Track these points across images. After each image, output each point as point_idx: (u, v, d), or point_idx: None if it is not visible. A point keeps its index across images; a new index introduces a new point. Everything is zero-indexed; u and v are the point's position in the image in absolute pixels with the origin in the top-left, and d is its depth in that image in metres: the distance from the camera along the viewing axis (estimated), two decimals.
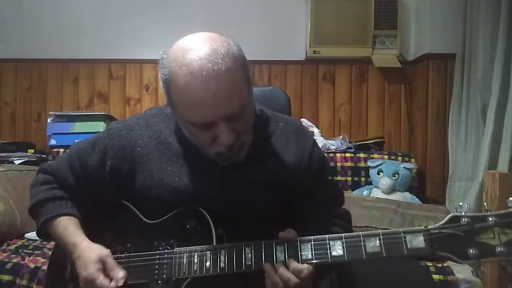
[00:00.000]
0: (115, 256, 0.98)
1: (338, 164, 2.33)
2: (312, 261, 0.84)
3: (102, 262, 0.92)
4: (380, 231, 0.82)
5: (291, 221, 1.03)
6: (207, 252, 0.90)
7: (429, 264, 1.67)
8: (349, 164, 2.34)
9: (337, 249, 0.83)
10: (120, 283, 0.89)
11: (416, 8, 2.60)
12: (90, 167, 1.03)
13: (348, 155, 2.36)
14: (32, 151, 2.51)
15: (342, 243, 0.83)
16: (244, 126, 0.91)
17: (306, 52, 2.62)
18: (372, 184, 2.31)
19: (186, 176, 0.98)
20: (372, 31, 2.54)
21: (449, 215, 0.79)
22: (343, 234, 0.85)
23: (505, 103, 1.95)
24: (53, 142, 2.49)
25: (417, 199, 2.23)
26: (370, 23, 2.54)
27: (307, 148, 1.03)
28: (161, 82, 0.90)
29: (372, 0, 2.52)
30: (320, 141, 2.38)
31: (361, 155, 2.37)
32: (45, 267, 1.60)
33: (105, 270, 0.92)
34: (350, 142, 2.43)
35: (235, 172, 0.97)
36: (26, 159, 2.41)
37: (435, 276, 1.61)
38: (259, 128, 1.00)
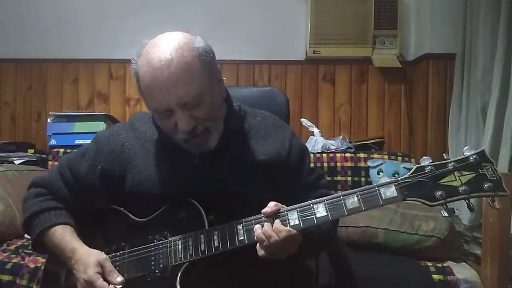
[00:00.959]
0: (111, 255, 1.01)
1: (338, 164, 2.33)
2: (300, 226, 0.89)
3: (101, 266, 0.95)
4: (357, 189, 0.89)
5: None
6: (201, 235, 0.94)
7: (429, 264, 1.68)
8: (349, 164, 2.33)
9: (321, 211, 0.89)
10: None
11: (416, 8, 2.60)
12: (81, 174, 1.07)
13: (348, 155, 2.36)
14: (32, 151, 2.51)
15: (325, 205, 0.89)
16: (205, 113, 0.94)
17: (306, 52, 2.62)
18: (372, 184, 2.30)
19: (171, 169, 1.03)
20: (372, 31, 2.54)
21: (414, 166, 0.89)
22: (324, 198, 0.90)
23: (505, 103, 1.95)
24: (53, 142, 2.48)
25: None
26: (370, 23, 2.54)
27: (286, 138, 1.08)
28: (134, 80, 0.98)
29: (372, 0, 2.52)
30: (320, 141, 2.38)
31: (361, 155, 2.37)
32: None
33: (103, 274, 0.95)
34: (350, 142, 2.43)
35: (216, 161, 1.01)
36: (26, 159, 2.41)
37: (435, 276, 1.61)
38: (236, 122, 1.06)
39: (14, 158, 2.39)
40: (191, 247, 0.93)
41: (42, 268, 1.60)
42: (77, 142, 2.40)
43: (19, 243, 1.86)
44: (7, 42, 2.76)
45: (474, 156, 0.87)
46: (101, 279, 0.93)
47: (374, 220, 1.75)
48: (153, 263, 0.96)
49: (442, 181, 0.86)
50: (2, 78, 2.80)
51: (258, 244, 0.90)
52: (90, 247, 1.01)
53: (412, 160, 2.37)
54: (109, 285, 0.93)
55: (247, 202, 0.98)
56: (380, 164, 2.28)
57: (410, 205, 2.00)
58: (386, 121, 2.67)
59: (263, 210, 0.92)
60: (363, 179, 2.34)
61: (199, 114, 0.93)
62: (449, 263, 1.69)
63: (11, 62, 2.78)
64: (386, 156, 2.36)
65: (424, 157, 0.91)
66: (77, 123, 2.49)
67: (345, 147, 2.39)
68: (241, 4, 2.68)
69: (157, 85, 0.90)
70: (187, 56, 0.90)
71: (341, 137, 2.45)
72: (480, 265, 1.63)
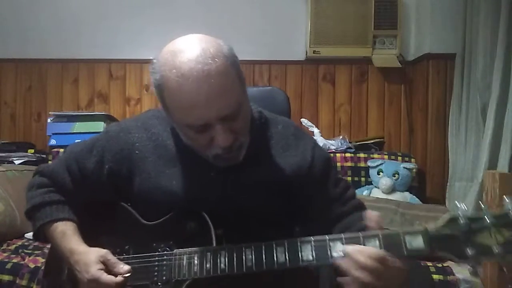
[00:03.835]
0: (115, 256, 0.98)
1: (338, 164, 2.33)
2: (312, 262, 0.83)
3: (103, 262, 0.93)
4: (379, 231, 0.81)
5: (292, 222, 1.02)
6: (207, 253, 0.89)
7: (429, 264, 1.67)
8: (349, 164, 2.34)
9: (338, 250, 0.81)
10: (126, 276, 0.90)
11: (416, 8, 2.60)
12: (88, 170, 1.02)
13: (348, 155, 2.36)
14: (32, 151, 2.51)
15: (342, 244, 0.81)
16: (241, 125, 0.89)
17: (306, 52, 2.62)
18: (372, 184, 2.31)
19: (183, 179, 0.97)
20: (372, 31, 2.54)
21: (447, 216, 0.79)
22: (342, 235, 0.83)
23: (505, 103, 1.95)
24: (53, 142, 2.48)
25: (417, 199, 2.23)
26: (370, 23, 2.54)
27: (308, 149, 1.02)
28: (153, 88, 0.88)
29: (372, 0, 2.52)
30: (320, 141, 2.38)
31: (361, 155, 2.37)
32: None
33: (107, 268, 0.92)
34: (350, 142, 2.43)
35: (232, 174, 0.96)
36: (26, 159, 2.41)
37: (435, 276, 1.61)
38: (258, 130, 0.99)
39: (14, 158, 2.39)
40: (196, 265, 0.89)
41: (43, 263, 1.61)
42: (77, 142, 2.40)
43: (19, 243, 1.86)
44: (7, 42, 2.77)
45: None
46: (105, 274, 0.90)
47: None
48: (156, 273, 0.93)
49: (476, 237, 0.75)
50: (2, 78, 2.80)
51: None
52: (94, 242, 0.98)
53: (412, 160, 2.37)
54: (116, 276, 0.90)
55: (260, 219, 0.94)
56: (380, 164, 2.28)
57: (410, 205, 2.01)
58: (386, 121, 2.67)
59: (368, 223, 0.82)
60: (363, 179, 2.34)
61: (237, 126, 0.87)
62: (449, 263, 1.69)
63: (11, 62, 2.78)
64: (386, 156, 2.37)
65: (457, 203, 0.79)
66: (77, 123, 2.49)
67: (345, 147, 2.39)
68: (241, 4, 2.68)
69: (196, 100, 0.81)
70: (222, 64, 0.82)
71: (341, 137, 2.45)
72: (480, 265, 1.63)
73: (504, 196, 0.77)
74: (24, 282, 1.60)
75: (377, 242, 0.80)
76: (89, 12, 2.74)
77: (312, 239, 0.84)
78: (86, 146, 1.05)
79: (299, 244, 0.85)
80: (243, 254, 0.87)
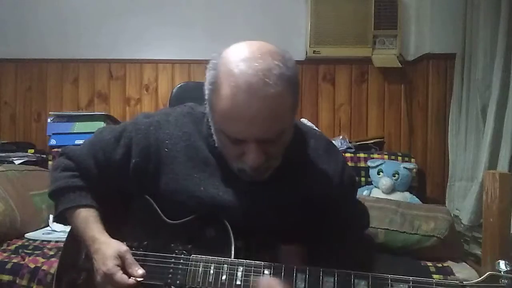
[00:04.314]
0: (131, 252, 0.97)
1: None
2: None
3: (121, 258, 0.92)
4: (410, 278, 0.77)
5: (312, 241, 1.00)
6: (224, 265, 0.87)
7: (429, 264, 1.67)
8: (349, 164, 2.33)
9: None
10: (139, 280, 0.90)
11: (416, 8, 2.60)
12: (114, 160, 1.00)
13: (348, 155, 2.36)
14: (32, 151, 2.51)
15: (368, 284, 0.78)
16: (277, 150, 0.87)
17: (306, 52, 2.62)
18: (372, 184, 2.31)
19: (212, 186, 0.95)
20: (372, 31, 2.54)
21: (488, 273, 0.74)
22: (369, 274, 0.79)
23: (505, 103, 1.95)
24: (53, 142, 2.49)
25: (417, 199, 2.23)
26: (370, 23, 2.54)
27: (338, 168, 1.00)
28: (206, 82, 0.86)
29: (372, 0, 2.52)
30: None
31: (361, 155, 2.37)
32: (45, 267, 1.60)
33: (123, 266, 0.92)
34: (350, 142, 2.43)
35: (262, 188, 0.93)
36: (26, 159, 2.41)
37: (435, 276, 1.60)
38: (294, 151, 0.95)
39: (14, 158, 2.39)
40: (211, 275, 0.87)
41: (45, 268, 1.61)
42: (77, 142, 2.40)
43: (19, 243, 1.86)
44: (7, 42, 2.76)
45: None
46: (121, 272, 0.90)
47: (374, 220, 1.75)
48: (170, 276, 0.92)
49: None
50: (2, 78, 2.80)
51: None
52: (113, 232, 0.98)
53: (412, 160, 2.37)
54: (129, 278, 0.90)
55: (283, 235, 0.92)
56: (380, 164, 2.28)
57: (410, 205, 2.00)
58: (386, 121, 2.67)
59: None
60: (363, 179, 2.34)
61: (272, 150, 0.85)
62: (449, 263, 1.69)
63: (11, 62, 2.78)
64: (386, 156, 2.37)
65: (499, 261, 0.74)
66: (77, 123, 2.49)
67: (345, 147, 2.39)
68: (241, 4, 2.68)
69: (241, 115, 0.78)
70: (281, 91, 0.78)
71: (341, 137, 2.45)
72: (480, 265, 1.63)
73: None
74: (24, 282, 1.60)
75: (406, 286, 0.76)
76: (89, 12, 2.74)
77: (336, 271, 0.81)
78: (113, 135, 1.02)
79: (321, 274, 0.82)
80: (262, 273, 0.84)
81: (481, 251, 1.70)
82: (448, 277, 0.71)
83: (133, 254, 0.96)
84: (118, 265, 0.91)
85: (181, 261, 0.92)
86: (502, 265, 0.73)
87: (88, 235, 0.98)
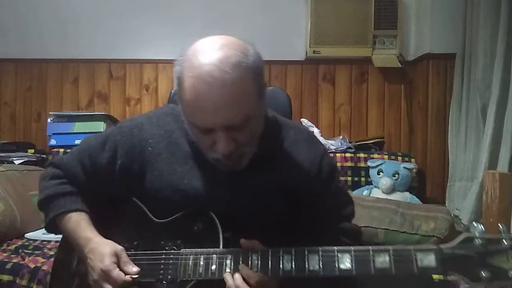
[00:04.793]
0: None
1: (338, 164, 2.33)
2: (319, 273, 0.82)
3: (117, 256, 0.94)
4: (390, 247, 0.80)
5: (299, 228, 1.01)
6: (213, 255, 0.90)
7: None
8: (349, 164, 2.34)
9: (345, 262, 0.81)
10: (134, 277, 0.91)
11: (416, 8, 2.60)
12: (100, 164, 1.03)
13: (348, 155, 2.36)
14: (32, 151, 2.51)
15: (351, 256, 0.81)
16: (247, 137, 0.89)
17: (306, 52, 2.62)
18: (372, 184, 2.31)
19: (195, 178, 0.98)
20: (372, 31, 2.54)
21: (463, 236, 0.77)
22: (352, 247, 0.82)
23: (505, 103, 1.95)
24: (53, 142, 2.49)
25: (417, 199, 2.23)
26: (370, 23, 2.54)
27: (317, 156, 1.02)
28: (174, 79, 0.90)
29: (372, 0, 2.52)
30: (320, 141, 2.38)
31: (361, 155, 2.37)
32: (45, 267, 1.60)
33: (119, 264, 0.93)
34: (350, 142, 2.43)
35: (243, 177, 0.96)
36: (26, 159, 2.41)
37: (435, 276, 1.61)
38: (269, 135, 0.98)
39: (14, 158, 2.39)
40: (202, 266, 0.90)
41: (44, 268, 1.61)
42: (77, 142, 2.38)
43: (19, 243, 1.86)
44: (7, 42, 2.77)
45: None
46: (117, 269, 0.92)
47: (374, 220, 1.75)
48: (161, 271, 0.94)
49: (491, 259, 0.73)
50: (2, 78, 2.80)
51: None
52: (103, 236, 0.99)
53: (412, 160, 2.37)
54: (125, 275, 0.91)
55: (267, 223, 0.93)
56: (380, 164, 2.28)
57: (410, 205, 2.00)
58: (386, 121, 2.67)
59: (242, 242, 0.88)
60: (363, 179, 2.34)
61: (241, 137, 0.87)
62: None
63: (11, 62, 2.78)
64: (386, 156, 2.37)
65: (474, 223, 0.77)
66: (77, 123, 2.49)
67: (345, 147, 2.39)
68: (241, 4, 2.68)
69: (204, 103, 0.82)
70: (240, 76, 0.82)
71: (341, 137, 2.45)
72: None
73: None
74: (24, 282, 1.60)
75: (387, 257, 0.79)
76: (89, 12, 2.74)
77: (320, 249, 0.84)
78: (99, 141, 1.05)
79: (306, 253, 0.84)
80: (249, 259, 0.87)
81: None
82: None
83: None
84: (115, 263, 0.93)
85: (171, 256, 0.94)
86: (476, 227, 0.76)
87: (82, 236, 0.99)
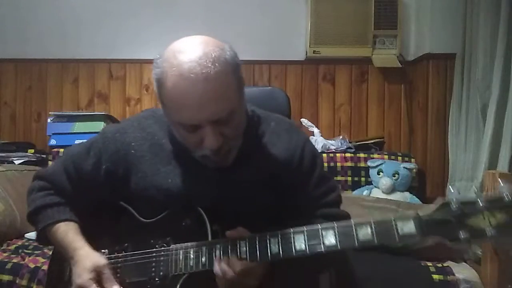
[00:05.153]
0: (113, 256, 1.00)
1: (338, 164, 2.33)
2: (305, 252, 0.84)
3: (97, 272, 0.94)
4: (371, 219, 0.82)
5: (287, 217, 1.02)
6: (203, 247, 0.91)
7: (429, 264, 1.68)
8: (349, 164, 2.34)
9: (330, 239, 0.83)
10: None
11: (416, 8, 2.60)
12: (85, 171, 1.04)
13: (348, 155, 2.36)
14: (32, 151, 2.51)
15: (335, 232, 0.83)
16: (233, 131, 0.91)
17: (306, 52, 2.62)
18: (372, 184, 2.31)
19: (178, 177, 0.99)
20: (372, 31, 2.54)
21: (440, 201, 0.79)
22: (334, 224, 0.84)
23: (505, 103, 1.95)
24: (53, 142, 2.48)
25: (417, 199, 2.23)
26: (370, 23, 2.54)
27: (299, 145, 1.03)
28: (154, 82, 0.91)
29: (372, 0, 2.52)
30: (320, 141, 2.38)
31: (361, 155, 2.37)
32: (45, 267, 1.60)
33: (100, 280, 0.94)
34: (350, 142, 2.43)
35: (226, 172, 0.97)
36: (26, 159, 2.41)
37: (435, 276, 1.61)
38: (250, 129, 1.01)
39: (14, 158, 2.39)
40: (192, 259, 0.91)
41: (44, 268, 1.61)
42: (77, 142, 2.38)
43: (19, 243, 1.86)
44: (7, 42, 2.76)
45: (510, 196, 0.75)
46: (95, 285, 0.92)
47: None
48: (153, 269, 0.95)
49: (468, 220, 0.76)
50: (2, 78, 2.80)
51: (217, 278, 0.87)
52: (94, 243, 1.00)
53: (412, 160, 2.37)
54: None
55: (254, 215, 0.95)
56: (380, 164, 2.28)
57: (410, 205, 2.01)
58: (386, 121, 2.67)
59: (227, 233, 0.89)
60: (363, 179, 2.34)
61: (228, 131, 0.89)
62: (449, 263, 1.69)
63: (11, 62, 2.78)
64: (386, 156, 2.37)
65: (451, 188, 0.82)
66: (77, 123, 2.49)
67: (345, 147, 2.39)
68: (241, 4, 2.68)
69: (189, 100, 0.83)
70: (221, 70, 0.84)
71: (341, 137, 2.45)
72: (480, 265, 1.63)
73: (499, 179, 0.77)
74: (24, 282, 1.60)
75: (369, 229, 0.81)
76: (89, 12, 2.74)
77: (305, 229, 0.86)
78: (83, 148, 1.07)
79: (292, 234, 0.86)
80: (238, 246, 0.88)
81: (481, 251, 1.70)
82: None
83: (115, 257, 0.99)
84: (92, 279, 0.92)
85: (162, 253, 0.96)
86: (452, 192, 0.79)
87: (70, 247, 0.99)
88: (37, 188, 1.07)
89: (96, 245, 1.00)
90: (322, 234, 0.84)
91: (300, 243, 0.85)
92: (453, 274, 1.61)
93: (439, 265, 1.67)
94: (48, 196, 1.05)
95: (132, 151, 1.02)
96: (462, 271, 1.64)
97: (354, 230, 0.82)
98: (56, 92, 2.78)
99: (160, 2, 2.71)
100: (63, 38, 2.74)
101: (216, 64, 0.83)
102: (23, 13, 2.76)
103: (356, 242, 0.81)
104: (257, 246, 0.87)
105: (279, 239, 0.86)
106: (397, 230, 0.79)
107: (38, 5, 2.75)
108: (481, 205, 0.75)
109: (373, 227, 0.81)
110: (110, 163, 1.02)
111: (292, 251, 0.85)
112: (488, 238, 0.74)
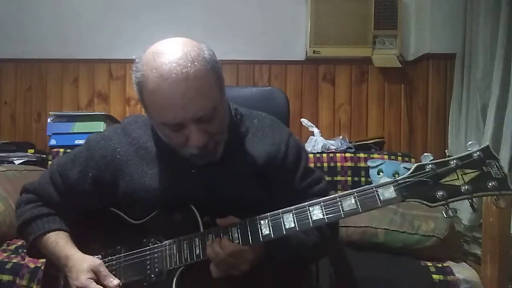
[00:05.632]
0: (107, 259, 1.00)
1: (338, 164, 2.33)
2: (295, 229, 0.87)
3: (94, 272, 0.95)
4: (354, 190, 0.86)
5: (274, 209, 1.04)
6: (196, 238, 0.93)
7: (429, 264, 1.67)
8: (349, 164, 2.33)
9: (317, 214, 0.86)
10: None
11: (416, 8, 2.60)
12: (72, 180, 1.04)
13: (348, 155, 2.36)
14: (32, 151, 2.51)
15: (321, 207, 0.86)
16: (217, 127, 0.92)
17: (306, 52, 2.62)
18: (372, 184, 2.30)
19: (166, 177, 1.00)
20: (372, 31, 2.54)
21: (414, 165, 0.84)
22: (321, 199, 0.87)
23: (505, 103, 1.95)
24: (53, 142, 2.48)
25: None
26: (370, 23, 2.54)
27: (283, 139, 1.06)
28: (134, 86, 0.92)
29: (372, 0, 2.53)
30: (320, 141, 2.38)
31: (361, 155, 2.37)
32: None
33: (98, 279, 0.95)
34: (350, 142, 2.43)
35: (212, 169, 0.99)
36: (26, 159, 2.41)
37: (435, 276, 1.61)
38: (233, 127, 1.02)
39: (14, 158, 2.39)
40: (186, 251, 0.93)
41: (42, 268, 1.61)
42: (77, 142, 2.40)
43: (19, 243, 1.86)
44: (7, 42, 2.77)
45: (478, 152, 0.81)
46: (94, 283, 0.93)
47: (374, 220, 1.75)
48: (148, 267, 0.96)
49: (443, 180, 0.80)
50: (2, 78, 2.80)
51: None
52: (86, 250, 1.00)
53: (412, 160, 2.37)
54: None
55: (244, 208, 0.96)
56: (380, 164, 2.28)
57: (410, 205, 2.00)
58: (386, 121, 2.67)
59: (218, 221, 0.91)
60: (363, 179, 2.34)
61: (212, 128, 0.91)
62: (449, 263, 1.69)
63: (11, 62, 2.78)
64: (386, 156, 2.36)
65: (424, 154, 0.86)
66: (77, 123, 2.49)
67: (345, 147, 2.38)
68: (241, 4, 2.68)
69: (172, 100, 0.85)
70: (201, 69, 0.85)
71: (341, 137, 2.45)
72: (480, 265, 1.63)
73: (470, 142, 0.84)
74: (24, 282, 1.60)
75: (353, 199, 0.84)
76: (89, 12, 2.74)
77: (293, 208, 0.88)
78: (68, 159, 1.08)
79: (281, 214, 0.88)
80: (229, 233, 0.90)
81: (481, 251, 1.70)
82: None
83: (109, 260, 1.00)
84: (91, 278, 0.94)
85: (156, 250, 0.96)
86: (426, 157, 0.84)
87: (62, 255, 1.00)
88: (25, 201, 1.08)
89: (88, 252, 1.01)
90: (309, 209, 0.87)
91: (289, 221, 0.87)
92: (453, 274, 1.61)
93: (439, 265, 1.67)
94: (37, 208, 1.06)
95: (118, 156, 1.03)
96: (462, 271, 1.63)
97: (339, 202, 0.85)
98: (56, 92, 2.78)
99: (160, 3, 2.70)
100: (63, 38, 2.75)
101: (196, 63, 0.85)
102: (23, 13, 2.76)
103: (342, 213, 0.85)
104: (248, 229, 0.89)
105: (269, 220, 0.89)
106: (378, 196, 0.83)
107: (38, 5, 2.75)
108: (453, 164, 0.80)
109: (356, 197, 0.85)
110: (96, 170, 1.03)
111: (282, 230, 0.87)
112: (464, 194, 0.79)
